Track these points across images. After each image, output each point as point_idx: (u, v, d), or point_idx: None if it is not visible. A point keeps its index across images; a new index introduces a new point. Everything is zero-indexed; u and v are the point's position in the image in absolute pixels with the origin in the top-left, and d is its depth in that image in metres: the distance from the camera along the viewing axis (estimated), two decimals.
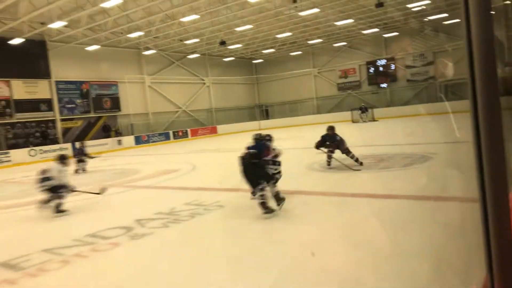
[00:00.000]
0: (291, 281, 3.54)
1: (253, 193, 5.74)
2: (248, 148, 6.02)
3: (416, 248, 3.99)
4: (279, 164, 6.43)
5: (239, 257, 4.24)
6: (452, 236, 4.20)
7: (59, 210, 7.06)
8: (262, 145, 6.19)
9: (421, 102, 29.69)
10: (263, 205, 5.57)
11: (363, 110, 27.21)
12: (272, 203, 5.71)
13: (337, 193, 6.89)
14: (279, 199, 5.78)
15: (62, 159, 7.46)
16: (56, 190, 7.04)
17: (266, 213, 5.54)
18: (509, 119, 2.63)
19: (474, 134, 1.13)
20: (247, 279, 3.70)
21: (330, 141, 9.08)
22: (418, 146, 11.82)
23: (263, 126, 33.80)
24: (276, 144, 6.77)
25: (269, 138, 6.71)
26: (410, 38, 31.63)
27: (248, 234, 5.08)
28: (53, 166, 7.23)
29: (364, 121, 26.90)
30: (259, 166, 5.83)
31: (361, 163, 8.77)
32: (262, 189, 5.60)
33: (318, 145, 9.18)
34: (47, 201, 7.11)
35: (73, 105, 25.10)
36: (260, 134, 6.73)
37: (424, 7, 24.76)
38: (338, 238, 4.56)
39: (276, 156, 6.43)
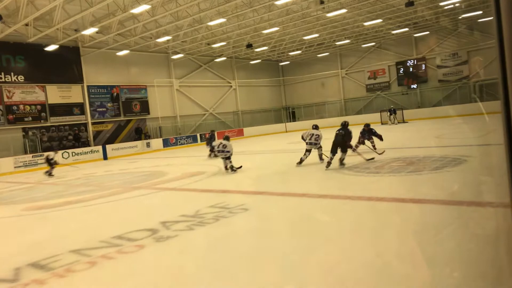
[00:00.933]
0: (316, 286, 3.46)
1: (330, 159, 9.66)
2: (339, 130, 9.80)
3: (447, 255, 3.81)
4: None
5: (264, 261, 4.19)
6: (485, 244, 3.99)
7: (233, 169, 11.07)
8: (348, 131, 9.86)
9: (454, 103, 28.68)
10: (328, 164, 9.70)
11: (392, 112, 26.60)
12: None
13: (364, 197, 6.72)
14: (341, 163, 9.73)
15: (227, 138, 11.42)
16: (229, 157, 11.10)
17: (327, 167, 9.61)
18: None
19: (506, 136, 1.05)
20: (273, 283, 3.65)
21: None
22: (450, 149, 11.40)
23: (289, 129, 33.66)
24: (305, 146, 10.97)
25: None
26: (442, 37, 30.67)
27: (273, 237, 5.02)
28: (225, 142, 11.08)
29: (393, 123, 26.28)
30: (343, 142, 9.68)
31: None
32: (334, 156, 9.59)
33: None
34: (226, 166, 11.19)
35: (103, 109, 25.84)
36: (346, 122, 10.25)
37: (457, 4, 23.96)
38: (364, 246, 4.43)
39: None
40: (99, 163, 21.64)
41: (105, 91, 25.94)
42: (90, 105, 25.07)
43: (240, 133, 32.22)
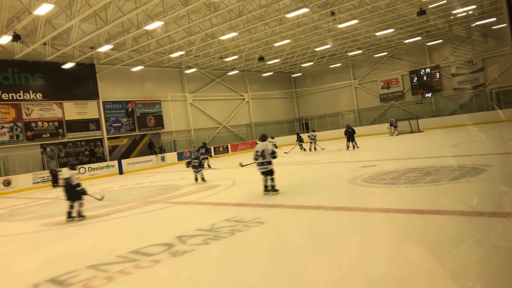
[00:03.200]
0: None
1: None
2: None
3: (469, 268, 3.70)
4: None
5: (280, 276, 4.14)
6: (508, 255, 3.87)
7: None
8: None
9: (470, 111, 28.24)
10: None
11: (392, 124, 26.96)
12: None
13: (381, 208, 6.61)
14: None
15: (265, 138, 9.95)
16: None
17: None
18: None
19: None
20: None
21: None
22: (468, 158, 11.18)
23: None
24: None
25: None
26: (456, 45, 30.39)
27: (289, 251, 4.97)
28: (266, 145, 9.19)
29: (391, 135, 26.75)
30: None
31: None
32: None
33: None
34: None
35: (119, 124, 26.25)
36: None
37: (470, 12, 23.78)
38: (382, 259, 4.34)
39: None
40: (115, 177, 21.88)
41: (120, 106, 26.38)
42: (106, 121, 25.50)
43: (253, 145, 32.06)
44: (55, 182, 20.03)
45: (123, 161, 24.42)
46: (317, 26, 23.48)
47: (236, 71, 33.51)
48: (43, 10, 14.33)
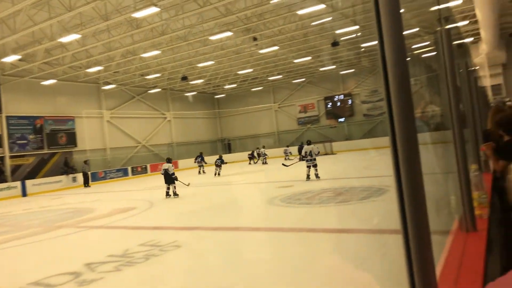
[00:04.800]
0: None
1: None
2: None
3: (372, 284, 4.00)
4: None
5: None
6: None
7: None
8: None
9: (377, 135, 30.94)
10: None
11: (286, 153, 28.49)
12: None
13: (295, 228, 6.87)
14: None
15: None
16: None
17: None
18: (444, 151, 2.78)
19: (395, 169, 1.17)
20: None
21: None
22: (375, 179, 12.16)
23: (226, 160, 33.66)
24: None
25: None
26: (365, 75, 33.35)
27: (206, 275, 4.91)
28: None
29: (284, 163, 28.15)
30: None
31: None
32: None
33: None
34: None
35: (24, 141, 23.93)
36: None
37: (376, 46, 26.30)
38: (297, 277, 4.50)
39: None
40: (17, 200, 19.79)
41: (27, 122, 24.13)
42: (9, 137, 23.09)
43: (174, 166, 31.45)
44: None
45: (28, 182, 22.18)
46: (240, 50, 24.13)
47: (158, 89, 32.82)
48: None
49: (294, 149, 29.32)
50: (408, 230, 1.13)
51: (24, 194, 21.58)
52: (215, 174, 20.60)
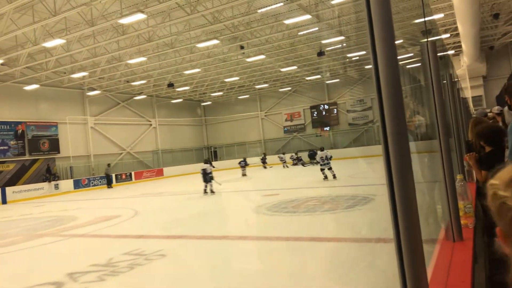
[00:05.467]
0: None
1: None
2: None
3: None
4: None
5: None
6: (392, 279, 4.28)
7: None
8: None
9: (362, 144, 31.26)
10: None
11: (263, 160, 29.70)
12: None
13: (282, 237, 6.86)
14: None
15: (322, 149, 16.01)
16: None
17: None
18: (434, 160, 2.81)
19: (388, 177, 1.18)
20: None
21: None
22: (360, 188, 12.27)
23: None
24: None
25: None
26: (351, 85, 33.78)
27: (192, 285, 4.85)
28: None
29: (265, 167, 29.36)
30: None
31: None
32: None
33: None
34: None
35: (5, 147, 23.39)
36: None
37: (363, 56, 26.72)
38: (284, 285, 4.48)
39: None
40: None
41: (8, 127, 23.62)
42: None
43: (159, 173, 31.25)
44: None
45: (8, 189, 21.63)
46: (227, 58, 24.18)
47: (144, 96, 32.57)
48: None
49: (288, 155, 29.36)
50: (400, 238, 1.13)
51: (4, 201, 21.03)
52: (242, 175, 22.86)
